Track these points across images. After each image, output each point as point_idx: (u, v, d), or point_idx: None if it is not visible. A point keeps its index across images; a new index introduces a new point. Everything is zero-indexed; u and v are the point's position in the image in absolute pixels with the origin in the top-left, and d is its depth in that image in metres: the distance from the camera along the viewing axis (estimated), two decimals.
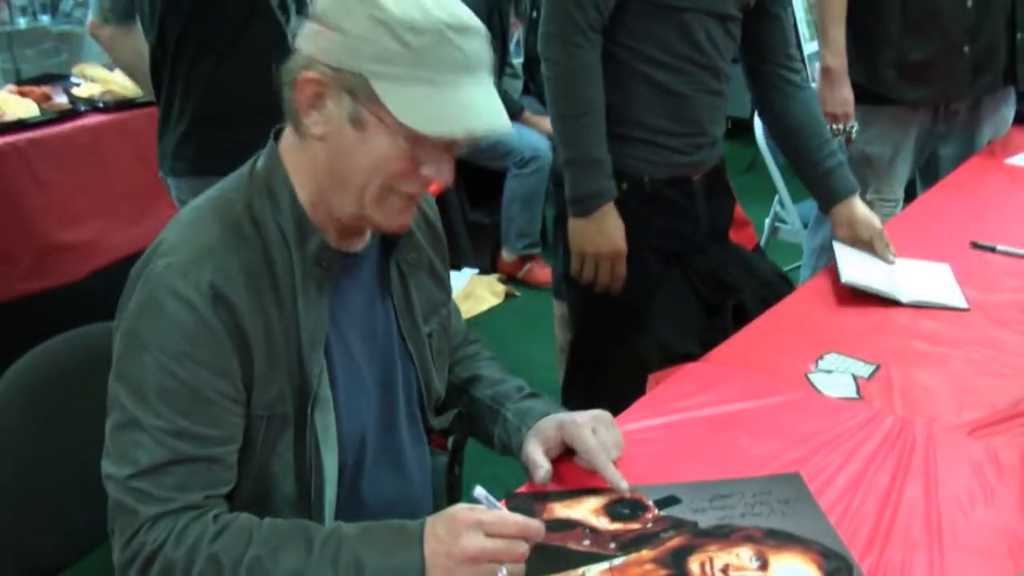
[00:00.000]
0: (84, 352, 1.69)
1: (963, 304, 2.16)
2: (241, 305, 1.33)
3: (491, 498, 1.32)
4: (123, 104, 3.57)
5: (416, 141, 1.31)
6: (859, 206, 2.43)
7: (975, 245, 2.48)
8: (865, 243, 2.39)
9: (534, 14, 5.07)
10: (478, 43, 1.32)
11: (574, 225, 2.24)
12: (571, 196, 2.22)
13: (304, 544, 1.27)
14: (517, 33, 4.93)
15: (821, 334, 2.02)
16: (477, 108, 1.32)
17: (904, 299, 2.16)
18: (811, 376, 1.86)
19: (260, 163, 1.44)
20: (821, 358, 1.92)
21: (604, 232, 2.22)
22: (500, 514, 1.28)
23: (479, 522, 1.25)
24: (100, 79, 3.69)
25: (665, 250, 2.33)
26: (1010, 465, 1.59)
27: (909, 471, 1.57)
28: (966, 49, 2.91)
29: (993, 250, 2.44)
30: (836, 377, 1.85)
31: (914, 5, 2.82)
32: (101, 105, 3.54)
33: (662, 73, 2.23)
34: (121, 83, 3.63)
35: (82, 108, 3.52)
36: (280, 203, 1.39)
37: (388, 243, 1.53)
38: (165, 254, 1.34)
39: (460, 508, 1.28)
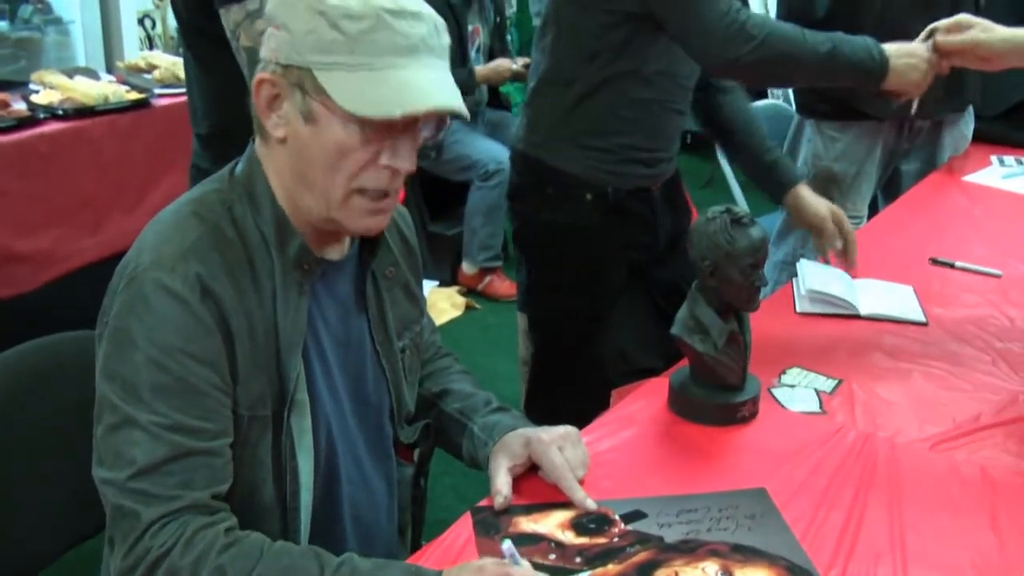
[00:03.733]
0: (40, 363, 1.67)
1: (922, 318, 2.18)
2: (226, 299, 1.33)
3: (517, 554, 1.32)
4: (83, 112, 3.52)
5: (365, 127, 1.31)
6: (809, 192, 2.47)
7: (934, 261, 2.50)
8: (820, 225, 2.41)
9: (497, 19, 5.05)
10: (422, 26, 1.32)
11: (894, 75, 2.15)
12: (870, 67, 2.14)
13: (316, 570, 1.26)
14: (479, 39, 4.91)
15: (784, 349, 2.02)
16: (419, 87, 1.31)
17: (863, 311, 2.17)
18: (774, 391, 1.86)
19: (239, 168, 1.43)
20: (784, 372, 1.93)
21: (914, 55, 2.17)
22: (526, 572, 1.29)
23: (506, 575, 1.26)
24: (59, 86, 3.65)
25: (628, 261, 2.34)
26: (971, 479, 1.60)
27: (872, 485, 1.58)
28: None
29: (952, 266, 2.47)
30: (799, 392, 1.86)
31: (891, 22, 2.84)
32: (60, 113, 3.49)
33: (643, 90, 2.24)
34: (81, 91, 3.59)
35: (41, 115, 3.47)
36: (261, 207, 1.39)
37: (366, 256, 1.53)
38: (149, 252, 1.33)
39: (489, 560, 1.29)
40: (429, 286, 4.53)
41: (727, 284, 1.69)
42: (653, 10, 2.12)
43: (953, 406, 1.84)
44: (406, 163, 1.35)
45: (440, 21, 1.36)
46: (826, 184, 3.03)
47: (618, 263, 2.28)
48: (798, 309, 2.22)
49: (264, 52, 1.35)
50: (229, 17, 2.03)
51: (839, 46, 2.11)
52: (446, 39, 1.36)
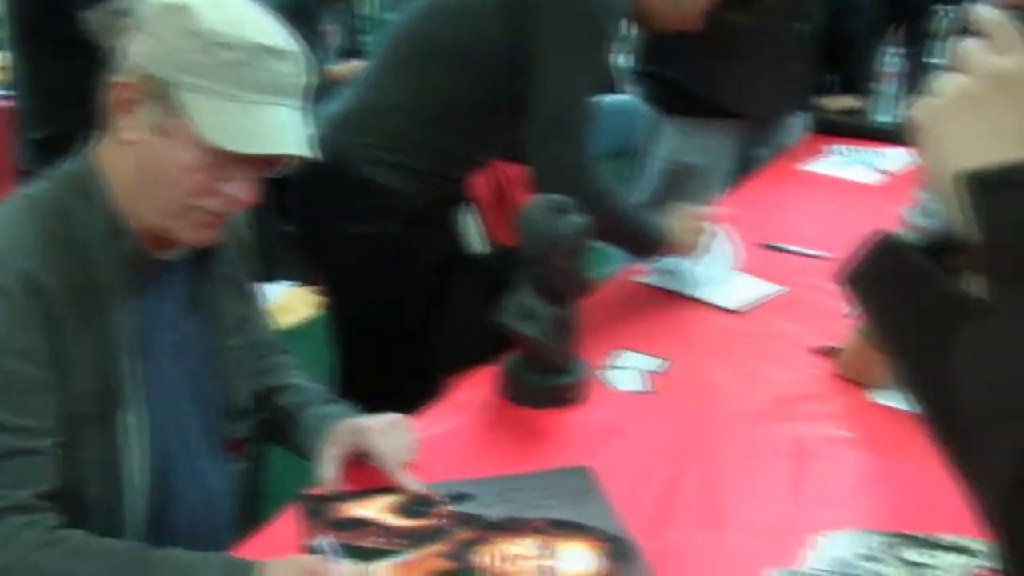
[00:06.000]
0: None
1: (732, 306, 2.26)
2: (54, 296, 1.32)
3: (337, 550, 1.34)
4: None
5: (216, 155, 1.33)
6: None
7: (766, 246, 2.60)
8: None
9: (356, 22, 5.04)
10: (290, 67, 1.35)
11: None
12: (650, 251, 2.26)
13: (139, 564, 1.28)
14: (333, 40, 4.89)
15: (616, 333, 2.08)
16: (276, 129, 1.34)
17: (688, 292, 2.27)
18: (604, 372, 1.92)
19: (72, 166, 1.43)
20: (614, 355, 1.98)
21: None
22: (339, 569, 1.32)
23: (315, 573, 1.28)
24: None
25: (431, 266, 2.34)
26: (785, 448, 1.68)
27: (692, 457, 1.65)
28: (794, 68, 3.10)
29: (782, 250, 2.57)
30: (628, 373, 1.92)
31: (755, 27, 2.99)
32: None
33: (481, 151, 2.28)
34: None
35: None
36: (94, 204, 1.39)
37: (201, 256, 1.53)
38: None
39: (307, 557, 1.33)
40: (285, 286, 4.49)
41: (552, 270, 1.74)
42: (530, 97, 2.06)
43: (774, 382, 1.92)
44: (247, 196, 1.38)
45: (307, 59, 1.38)
46: (683, 179, 3.13)
47: (425, 269, 2.29)
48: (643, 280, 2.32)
49: (129, 54, 1.34)
50: (94, 19, 2.00)
51: (640, 215, 2.23)
52: (310, 78, 1.39)
